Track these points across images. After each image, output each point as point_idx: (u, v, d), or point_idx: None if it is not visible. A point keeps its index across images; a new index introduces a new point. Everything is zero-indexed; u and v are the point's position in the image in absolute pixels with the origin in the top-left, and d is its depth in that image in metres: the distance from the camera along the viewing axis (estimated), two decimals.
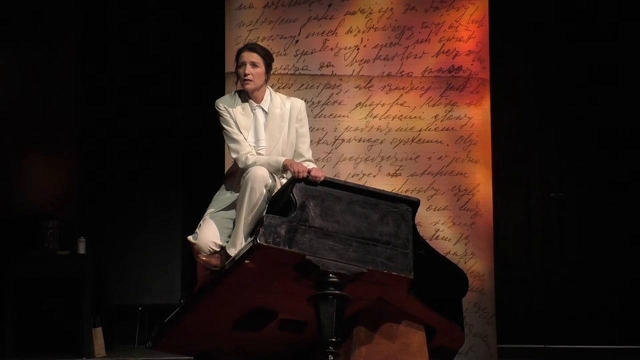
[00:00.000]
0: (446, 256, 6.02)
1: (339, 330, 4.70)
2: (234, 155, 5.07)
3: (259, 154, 5.05)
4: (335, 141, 7.05)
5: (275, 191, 4.89)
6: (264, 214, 4.75)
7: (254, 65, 5.07)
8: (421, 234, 5.52)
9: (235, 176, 5.08)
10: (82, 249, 7.79)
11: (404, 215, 4.90)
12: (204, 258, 4.98)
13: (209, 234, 4.99)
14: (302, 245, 4.62)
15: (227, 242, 4.94)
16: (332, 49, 7.10)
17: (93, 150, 8.41)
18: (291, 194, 4.68)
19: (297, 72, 7.09)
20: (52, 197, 8.21)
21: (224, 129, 5.11)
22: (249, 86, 5.07)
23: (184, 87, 8.42)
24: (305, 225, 4.65)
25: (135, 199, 8.32)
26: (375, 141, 7.04)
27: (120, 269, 8.26)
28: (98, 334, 7.69)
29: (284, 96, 5.23)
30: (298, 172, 4.72)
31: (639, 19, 8.14)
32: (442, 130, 7.03)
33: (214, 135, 5.71)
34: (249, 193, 4.80)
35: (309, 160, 5.16)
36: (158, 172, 8.35)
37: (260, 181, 4.81)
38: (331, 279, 4.66)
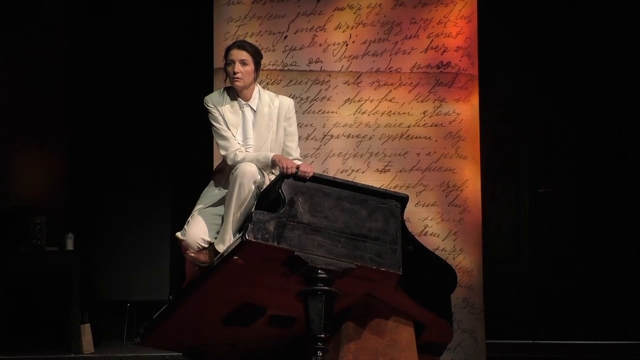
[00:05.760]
0: (435, 252, 6.03)
1: (327, 325, 4.70)
2: (222, 152, 5.07)
3: (247, 152, 5.04)
4: (323, 137, 7.05)
5: (264, 187, 4.89)
6: (253, 210, 4.75)
7: (243, 63, 5.06)
8: (410, 229, 5.52)
9: (224, 172, 5.08)
10: (70, 244, 7.78)
11: (393, 211, 4.91)
12: (192, 254, 4.97)
13: (197, 230, 4.98)
14: (291, 241, 4.62)
15: (216, 238, 4.94)
16: (320, 45, 7.09)
17: (81, 146, 8.38)
18: (280, 190, 4.69)
19: (286, 68, 7.08)
20: (40, 193, 8.19)
21: (213, 125, 5.11)
22: (238, 84, 5.07)
23: (172, 82, 8.40)
24: (294, 221, 4.65)
25: (124, 195, 8.31)
26: (364, 137, 7.04)
27: (109, 265, 8.25)
28: (86, 329, 7.68)
29: (272, 94, 5.23)
30: (287, 168, 4.72)
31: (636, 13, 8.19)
32: (430, 126, 7.03)
33: (203, 131, 5.71)
34: (237, 189, 4.80)
35: (298, 159, 5.15)
36: (146, 168, 8.34)
37: (249, 177, 4.80)
38: (320, 275, 4.67)
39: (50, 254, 7.76)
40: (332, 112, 7.06)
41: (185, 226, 5.06)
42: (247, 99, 5.13)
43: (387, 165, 7.02)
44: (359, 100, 7.06)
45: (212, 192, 5.11)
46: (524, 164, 8.35)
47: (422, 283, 5.17)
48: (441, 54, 7.04)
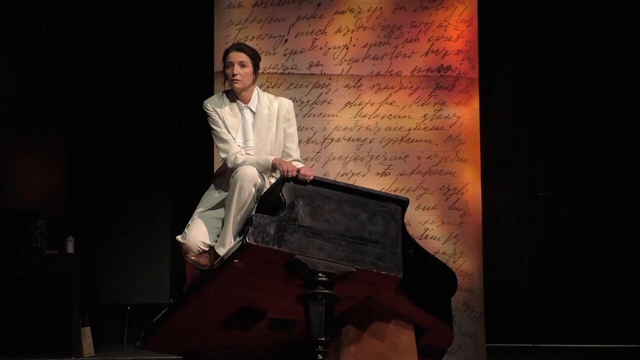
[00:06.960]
0: (435, 255, 6.03)
1: (328, 329, 4.70)
2: (223, 155, 5.07)
3: (248, 154, 5.05)
4: (324, 140, 7.05)
5: (265, 190, 4.89)
6: (253, 213, 4.75)
7: (242, 65, 5.07)
8: (410, 233, 5.52)
9: (224, 176, 5.08)
10: (70, 248, 7.78)
11: (393, 215, 4.91)
12: (193, 257, 4.97)
13: (197, 234, 4.99)
14: (292, 244, 4.62)
15: (216, 241, 4.94)
16: (321, 48, 7.09)
17: (82, 149, 8.38)
18: (280, 193, 4.69)
19: (286, 72, 7.09)
20: (40, 196, 8.19)
21: (213, 129, 5.11)
22: (238, 86, 5.07)
23: (173, 86, 8.40)
24: (294, 224, 4.65)
25: (124, 198, 8.31)
26: (364, 140, 7.04)
27: (109, 268, 8.24)
28: (87, 333, 7.68)
29: (271, 96, 5.23)
30: (287, 172, 4.73)
31: (634, 19, 8.18)
32: (431, 129, 7.03)
33: (203, 134, 5.71)
34: (238, 192, 4.80)
35: (298, 160, 5.16)
36: (147, 171, 8.33)
37: (250, 180, 4.81)
38: (320, 278, 4.67)
39: (51, 257, 7.75)
40: (333, 116, 7.06)
41: (185, 229, 5.06)
42: (246, 101, 5.13)
43: (387, 169, 7.02)
44: (359, 104, 7.07)
45: (212, 196, 5.11)
46: (525, 167, 8.34)
47: (423, 286, 5.17)
48: (442, 58, 7.04)
